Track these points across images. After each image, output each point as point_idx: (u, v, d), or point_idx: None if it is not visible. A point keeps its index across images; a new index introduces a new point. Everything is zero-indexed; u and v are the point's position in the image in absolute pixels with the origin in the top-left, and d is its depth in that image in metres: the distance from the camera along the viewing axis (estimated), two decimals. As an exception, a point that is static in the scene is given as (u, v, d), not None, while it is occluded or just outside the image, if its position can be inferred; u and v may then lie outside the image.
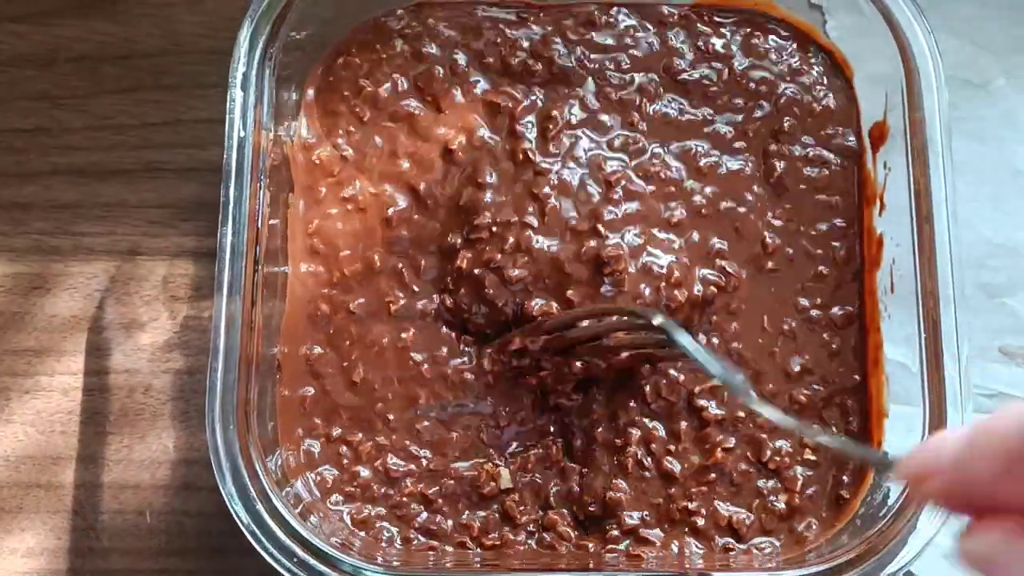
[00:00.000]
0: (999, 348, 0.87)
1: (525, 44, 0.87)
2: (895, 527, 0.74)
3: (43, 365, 0.88)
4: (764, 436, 0.81)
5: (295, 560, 0.73)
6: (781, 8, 0.87)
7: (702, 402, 0.81)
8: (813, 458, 0.82)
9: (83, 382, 0.88)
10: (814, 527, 0.80)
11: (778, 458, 0.81)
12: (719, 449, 0.80)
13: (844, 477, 0.81)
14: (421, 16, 0.88)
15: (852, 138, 0.86)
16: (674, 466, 0.80)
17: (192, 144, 0.92)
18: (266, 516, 0.73)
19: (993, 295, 0.88)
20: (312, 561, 0.73)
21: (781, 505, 0.81)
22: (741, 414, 0.82)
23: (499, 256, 0.81)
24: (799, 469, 0.81)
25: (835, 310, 0.83)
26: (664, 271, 0.81)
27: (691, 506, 0.80)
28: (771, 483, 0.81)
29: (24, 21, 0.94)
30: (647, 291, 0.80)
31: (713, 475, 0.80)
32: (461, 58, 0.87)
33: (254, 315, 0.76)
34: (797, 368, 0.82)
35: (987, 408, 0.85)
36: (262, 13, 0.81)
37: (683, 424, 0.81)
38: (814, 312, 0.83)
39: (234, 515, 0.73)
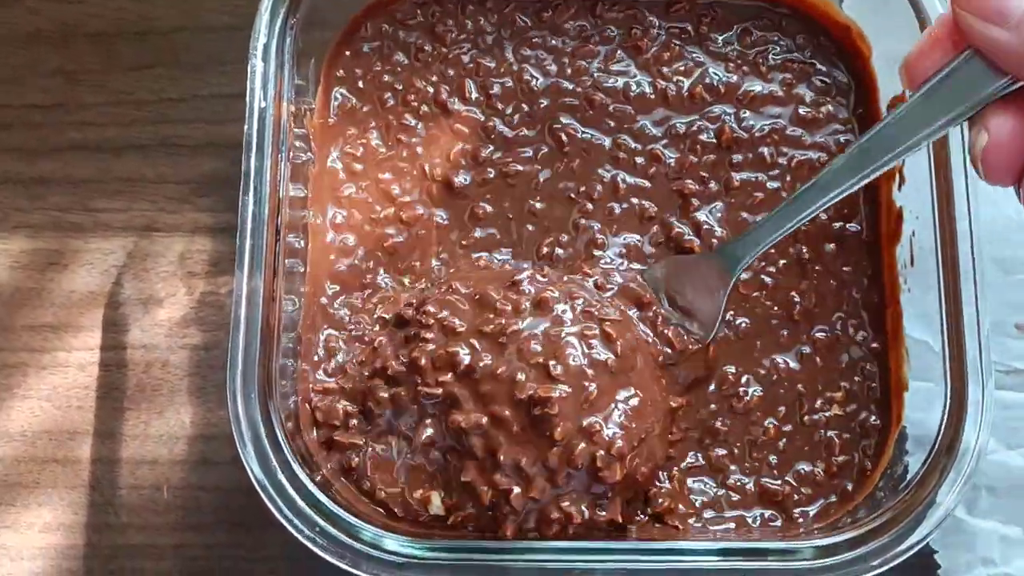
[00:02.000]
0: (1015, 324, 0.87)
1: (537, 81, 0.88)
2: (915, 499, 0.74)
3: (60, 341, 0.88)
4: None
5: (316, 529, 0.73)
6: (797, -16, 0.87)
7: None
8: (840, 412, 0.82)
9: (100, 357, 0.88)
10: (833, 499, 0.81)
11: (808, 418, 0.82)
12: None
13: (868, 450, 0.81)
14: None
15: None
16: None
17: (210, 120, 0.92)
18: (288, 486, 0.73)
19: (1010, 271, 0.88)
20: (333, 530, 0.73)
21: (820, 472, 0.81)
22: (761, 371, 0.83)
23: None
24: (832, 433, 0.82)
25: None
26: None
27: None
28: (802, 446, 0.82)
29: (41, -2, 0.95)
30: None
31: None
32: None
33: (276, 286, 0.76)
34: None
35: (1004, 384, 0.85)
36: (282, -14, 0.81)
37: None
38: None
39: (255, 484, 0.73)
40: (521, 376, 0.74)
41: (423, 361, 0.76)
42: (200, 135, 0.92)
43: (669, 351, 0.80)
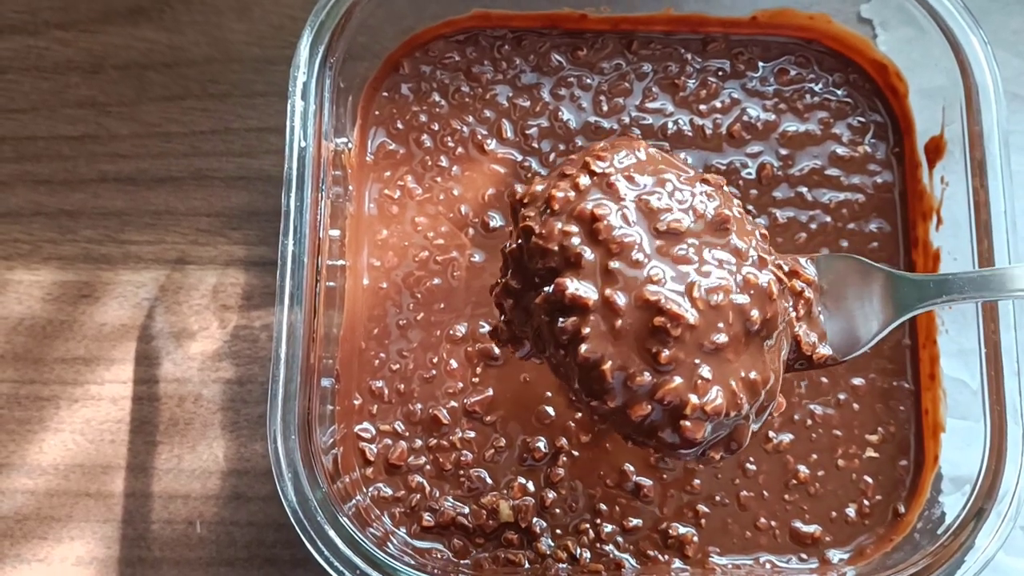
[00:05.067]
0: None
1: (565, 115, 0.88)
2: (954, 544, 0.74)
3: (92, 374, 0.88)
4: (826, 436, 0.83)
5: (357, 572, 0.72)
6: (837, 24, 0.87)
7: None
8: (875, 455, 0.82)
9: (132, 391, 0.88)
10: (868, 540, 0.81)
11: (843, 460, 0.82)
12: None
13: (902, 492, 0.81)
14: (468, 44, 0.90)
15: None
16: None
17: (241, 153, 0.92)
18: (327, 527, 0.73)
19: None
20: (371, 572, 0.73)
21: (852, 514, 0.81)
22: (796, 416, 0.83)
23: None
24: (867, 478, 0.82)
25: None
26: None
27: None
28: (839, 491, 0.82)
29: (71, 28, 0.94)
30: None
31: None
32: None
33: (316, 325, 0.76)
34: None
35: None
36: (322, 21, 0.80)
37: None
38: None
39: (295, 525, 0.73)
40: (660, 274, 0.64)
41: (557, 204, 0.67)
42: (231, 168, 0.91)
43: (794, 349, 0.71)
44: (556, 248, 0.65)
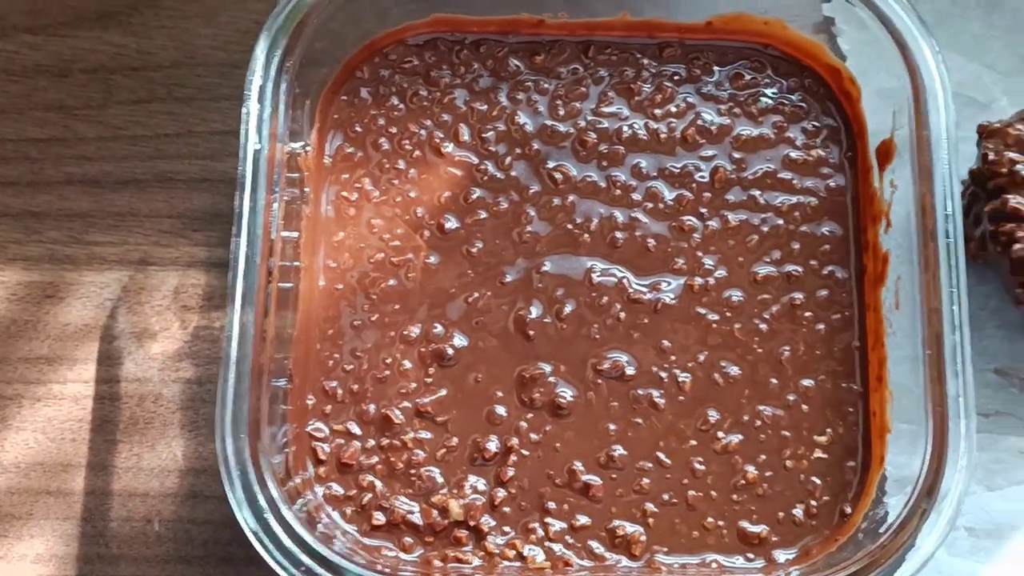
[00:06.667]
0: (994, 369, 0.88)
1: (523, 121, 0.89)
2: (895, 542, 0.75)
3: (55, 373, 0.89)
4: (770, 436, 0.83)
5: (302, 568, 0.74)
6: (791, 29, 0.88)
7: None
8: (823, 456, 0.83)
9: (94, 390, 0.89)
10: (814, 541, 0.81)
11: (792, 461, 0.82)
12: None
13: (848, 493, 0.82)
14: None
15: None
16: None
17: (205, 155, 0.93)
18: (274, 524, 0.74)
19: (988, 319, 0.89)
20: (319, 569, 0.74)
21: (800, 515, 0.82)
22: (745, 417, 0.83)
23: None
24: (814, 479, 0.82)
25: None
26: None
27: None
28: (787, 491, 0.82)
29: (40, 32, 0.95)
30: None
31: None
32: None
33: (266, 325, 0.77)
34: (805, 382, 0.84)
35: (983, 427, 0.86)
36: (280, 26, 0.81)
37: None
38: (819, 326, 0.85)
39: (242, 523, 0.74)
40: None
41: None
42: (195, 170, 0.92)
43: None
44: (1006, 172, 0.82)
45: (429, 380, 0.84)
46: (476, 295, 0.85)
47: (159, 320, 0.90)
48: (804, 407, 0.84)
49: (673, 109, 0.89)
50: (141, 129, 0.94)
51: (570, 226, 0.86)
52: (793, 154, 0.88)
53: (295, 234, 0.83)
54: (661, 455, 0.83)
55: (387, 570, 0.78)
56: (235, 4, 0.96)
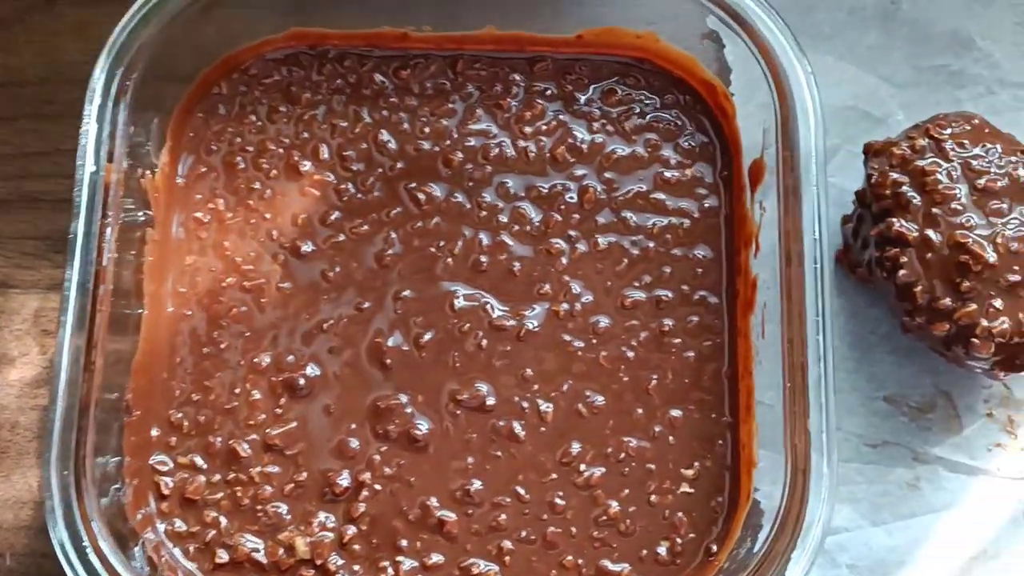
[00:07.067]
0: (884, 397, 0.84)
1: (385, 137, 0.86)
2: (761, 576, 0.72)
3: (-91, 400, 0.87)
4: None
5: (125, 606, 0.71)
6: (664, 42, 0.85)
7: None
8: (689, 491, 0.79)
9: (-51, 418, 0.86)
10: (682, 580, 0.78)
11: (656, 496, 0.79)
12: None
13: (714, 530, 0.78)
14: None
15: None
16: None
17: (71, 175, 0.88)
18: (95, 562, 0.71)
19: (875, 344, 0.85)
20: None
21: (664, 553, 0.78)
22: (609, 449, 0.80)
23: None
24: (680, 515, 0.78)
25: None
26: None
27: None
28: (651, 528, 0.79)
29: (-96, 48, 0.93)
30: None
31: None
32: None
33: (94, 355, 0.74)
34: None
35: (870, 459, 0.82)
36: (122, 43, 0.79)
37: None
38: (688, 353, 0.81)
39: (60, 558, 0.71)
40: (971, 222, 0.77)
41: None
42: (61, 190, 0.89)
43: None
44: (890, 194, 0.78)
45: (279, 411, 0.81)
46: (331, 322, 0.82)
47: (18, 345, 0.87)
48: (671, 439, 0.80)
49: (543, 127, 0.85)
50: (7, 148, 0.91)
51: (433, 249, 0.83)
52: (667, 173, 0.84)
53: (138, 259, 0.80)
54: (520, 489, 0.79)
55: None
56: (107, 19, 0.91)
